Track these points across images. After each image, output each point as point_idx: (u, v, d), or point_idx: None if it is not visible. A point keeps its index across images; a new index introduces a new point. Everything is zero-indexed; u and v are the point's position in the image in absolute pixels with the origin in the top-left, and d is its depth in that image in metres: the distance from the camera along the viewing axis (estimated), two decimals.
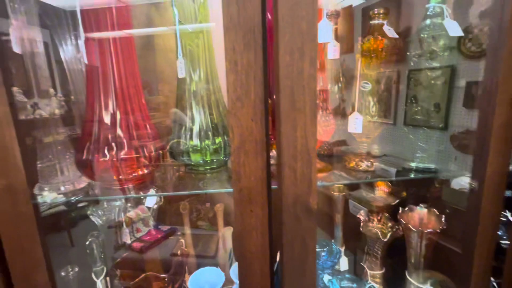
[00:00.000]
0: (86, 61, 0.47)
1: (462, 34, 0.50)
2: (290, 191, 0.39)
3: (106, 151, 0.50)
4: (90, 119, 0.50)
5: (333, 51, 0.67)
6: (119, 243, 0.76)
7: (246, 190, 0.40)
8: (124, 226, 0.75)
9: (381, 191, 0.79)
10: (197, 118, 0.61)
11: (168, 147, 0.63)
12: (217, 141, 0.62)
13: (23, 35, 0.49)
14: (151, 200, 0.72)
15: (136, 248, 0.74)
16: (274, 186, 0.42)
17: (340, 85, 0.69)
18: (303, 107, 0.37)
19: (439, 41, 0.51)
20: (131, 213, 0.82)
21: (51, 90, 0.57)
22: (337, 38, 0.68)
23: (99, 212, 0.70)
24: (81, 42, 0.46)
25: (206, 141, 0.61)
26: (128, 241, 0.74)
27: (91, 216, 0.68)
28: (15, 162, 0.40)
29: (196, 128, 0.61)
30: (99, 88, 0.49)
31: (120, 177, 0.51)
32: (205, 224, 0.84)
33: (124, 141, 0.51)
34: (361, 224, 0.71)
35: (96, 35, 0.48)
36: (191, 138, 0.61)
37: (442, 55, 0.52)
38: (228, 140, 0.62)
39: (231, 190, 0.55)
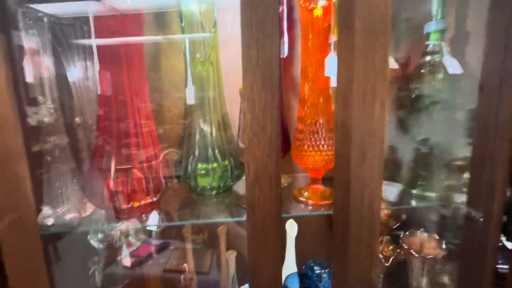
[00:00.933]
0: (99, 92, 0.48)
1: (460, 71, 0.53)
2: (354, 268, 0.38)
3: (116, 181, 0.49)
4: (100, 149, 0.50)
5: (335, 79, 0.69)
6: (119, 266, 0.74)
7: (260, 224, 0.41)
8: (125, 248, 0.74)
9: (381, 213, 0.81)
10: (205, 142, 0.62)
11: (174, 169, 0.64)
12: (224, 163, 0.63)
13: (36, 63, 0.50)
14: (154, 220, 0.71)
15: (128, 264, 0.73)
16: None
17: None
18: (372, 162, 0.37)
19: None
20: (122, 227, 0.81)
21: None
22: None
23: (99, 236, 0.68)
24: (95, 73, 0.47)
25: (214, 164, 0.62)
26: (129, 265, 0.73)
27: (91, 241, 0.67)
28: (26, 196, 0.40)
29: (204, 152, 0.62)
30: (109, 119, 0.49)
31: (129, 205, 0.51)
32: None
33: (135, 171, 0.51)
34: None
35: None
36: (199, 161, 0.62)
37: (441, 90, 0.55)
38: (234, 163, 0.63)
39: (240, 219, 0.56)
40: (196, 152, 0.61)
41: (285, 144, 0.72)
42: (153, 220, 0.63)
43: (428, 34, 0.58)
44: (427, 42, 0.58)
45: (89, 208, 0.57)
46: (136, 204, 0.52)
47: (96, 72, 0.47)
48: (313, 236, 0.89)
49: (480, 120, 0.55)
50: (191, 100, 0.60)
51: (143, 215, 0.56)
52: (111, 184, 0.49)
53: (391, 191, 0.65)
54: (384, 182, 0.61)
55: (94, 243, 0.68)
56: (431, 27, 0.56)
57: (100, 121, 0.51)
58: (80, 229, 0.53)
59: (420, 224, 0.71)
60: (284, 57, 0.68)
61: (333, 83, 0.69)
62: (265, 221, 0.41)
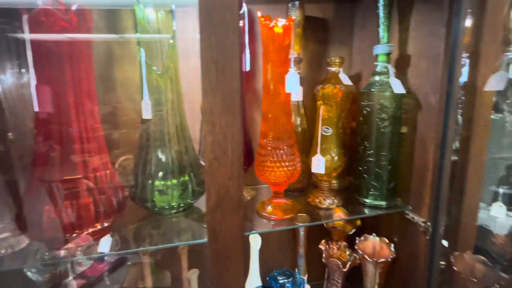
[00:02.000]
0: (36, 109, 0.42)
1: (404, 91, 0.59)
2: None
3: (54, 208, 0.44)
4: (39, 169, 0.44)
5: (295, 94, 0.72)
6: None
7: (223, 249, 0.40)
8: (71, 278, 0.66)
9: (338, 218, 0.86)
10: (163, 157, 0.58)
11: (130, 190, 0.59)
12: (184, 179, 0.60)
13: None
14: (106, 245, 0.65)
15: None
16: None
17: (302, 125, 0.74)
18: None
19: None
20: (70, 245, 0.73)
21: None
22: (300, 81, 0.73)
23: (39, 267, 0.60)
24: (32, 86, 0.41)
25: (173, 181, 0.59)
26: None
27: (28, 273, 0.58)
28: None
29: (162, 168, 0.58)
30: (51, 138, 0.44)
31: (74, 235, 0.46)
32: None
33: (84, 193, 0.46)
34: (323, 255, 0.76)
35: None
36: (156, 178, 0.58)
37: (390, 107, 0.60)
38: (195, 179, 0.61)
39: (202, 241, 0.54)
40: (153, 169, 0.58)
41: (249, 156, 0.72)
42: (105, 246, 0.57)
43: (376, 56, 0.63)
44: (375, 63, 0.63)
45: (24, 240, 0.50)
46: (83, 231, 0.46)
47: (32, 82, 0.41)
48: (276, 247, 0.91)
49: (419, 133, 0.62)
50: (147, 114, 0.56)
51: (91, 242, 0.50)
52: (52, 212, 0.44)
53: None
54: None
55: (32, 275, 0.59)
56: (379, 49, 0.61)
57: (37, 138, 0.44)
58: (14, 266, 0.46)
59: (373, 229, 0.76)
60: (247, 70, 0.68)
61: (294, 97, 0.71)
62: (228, 245, 0.40)
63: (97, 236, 0.50)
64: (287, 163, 0.58)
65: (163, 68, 0.57)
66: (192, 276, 0.68)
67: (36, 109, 0.41)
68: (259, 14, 0.55)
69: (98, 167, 0.49)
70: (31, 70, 0.41)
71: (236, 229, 0.40)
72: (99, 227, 0.48)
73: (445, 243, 0.66)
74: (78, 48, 0.45)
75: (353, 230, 0.80)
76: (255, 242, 0.74)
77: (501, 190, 0.84)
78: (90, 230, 0.48)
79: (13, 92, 0.54)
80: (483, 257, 0.59)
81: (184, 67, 0.61)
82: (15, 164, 0.56)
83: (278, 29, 0.54)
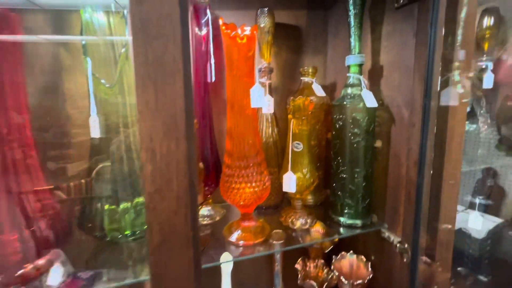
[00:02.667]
0: None
1: (376, 105, 0.56)
2: None
3: None
4: None
5: (267, 106, 0.67)
6: None
7: None
8: None
9: (316, 233, 0.82)
10: (113, 178, 0.52)
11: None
12: (138, 200, 0.54)
13: None
14: (56, 276, 0.58)
15: None
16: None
17: (274, 138, 0.70)
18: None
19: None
20: (40, 261, 0.65)
21: None
22: (271, 92, 0.69)
23: None
24: None
25: (125, 204, 0.53)
26: None
27: None
28: None
29: (112, 190, 0.52)
30: None
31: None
32: None
33: (6, 228, 0.39)
34: (299, 276, 0.71)
35: None
36: (106, 201, 0.52)
37: (363, 121, 0.57)
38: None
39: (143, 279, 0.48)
40: (106, 193, 0.52)
41: (217, 174, 0.67)
42: (55, 278, 0.51)
43: (348, 67, 0.60)
44: (348, 74, 0.60)
45: None
46: (9, 276, 0.40)
47: None
48: (251, 267, 0.85)
49: (393, 147, 0.59)
50: (95, 132, 0.50)
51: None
52: None
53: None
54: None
55: None
56: (350, 60, 0.58)
57: None
58: None
59: (350, 246, 0.73)
60: (213, 81, 0.63)
61: (265, 110, 0.67)
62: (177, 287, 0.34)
63: (33, 277, 0.44)
64: (254, 184, 0.54)
65: (112, 83, 0.51)
66: None
67: None
68: (220, 22, 0.51)
69: (30, 192, 0.42)
70: None
71: (186, 271, 0.34)
72: (31, 268, 0.42)
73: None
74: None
75: (331, 247, 0.76)
76: (226, 266, 0.68)
77: (477, 201, 0.84)
78: (19, 272, 0.41)
79: None
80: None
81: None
82: None
83: (241, 39, 0.50)
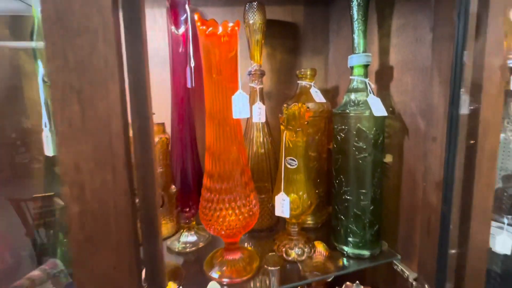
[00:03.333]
0: None
1: (385, 113, 0.46)
2: None
3: None
4: None
5: (257, 114, 0.58)
6: None
7: None
8: None
9: (319, 256, 0.72)
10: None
11: None
12: None
13: None
14: None
15: None
16: None
17: (266, 150, 0.61)
18: None
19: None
20: (35, 272, 0.57)
21: None
22: (263, 98, 0.60)
23: None
24: None
25: None
26: None
27: None
28: None
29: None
30: None
31: None
32: None
33: None
34: None
35: None
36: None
37: (370, 132, 0.47)
38: None
39: None
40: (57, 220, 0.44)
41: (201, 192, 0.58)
42: None
43: (352, 68, 0.50)
44: (351, 77, 0.51)
45: None
46: None
47: None
48: None
49: (407, 163, 0.49)
50: (49, 150, 0.42)
51: None
52: None
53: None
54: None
55: None
56: (354, 60, 0.49)
57: None
58: None
59: (356, 275, 0.63)
60: (193, 86, 0.54)
61: (256, 119, 0.58)
62: None
63: None
64: (238, 211, 0.45)
65: None
66: None
67: None
68: (196, 17, 0.42)
69: None
70: None
71: None
72: None
73: None
74: None
75: (333, 276, 0.66)
76: None
77: (505, 220, 0.72)
78: None
79: None
80: None
81: None
82: None
83: (221, 37, 0.41)
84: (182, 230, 0.59)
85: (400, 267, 0.51)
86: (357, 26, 0.49)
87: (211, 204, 0.45)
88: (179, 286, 0.45)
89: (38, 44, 0.42)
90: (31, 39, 0.42)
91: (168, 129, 0.58)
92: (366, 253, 0.51)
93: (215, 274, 0.47)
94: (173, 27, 0.53)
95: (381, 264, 0.57)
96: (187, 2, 0.54)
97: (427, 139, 0.44)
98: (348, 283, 0.61)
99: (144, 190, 0.28)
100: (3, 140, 0.51)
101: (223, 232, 0.46)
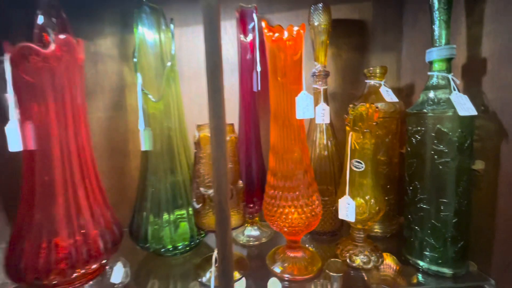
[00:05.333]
0: (21, 148, 0.40)
1: (475, 112, 0.40)
2: None
3: (38, 248, 0.41)
4: (24, 208, 0.43)
5: (321, 115, 0.58)
6: None
7: None
8: None
9: (388, 269, 0.66)
10: (159, 195, 0.52)
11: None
12: (180, 212, 0.53)
13: None
14: (118, 275, 0.62)
15: None
16: None
17: (330, 152, 0.60)
18: None
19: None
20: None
21: None
22: (327, 99, 0.59)
23: None
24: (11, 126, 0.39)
25: (165, 215, 0.52)
26: None
27: None
28: None
29: (156, 206, 0.52)
30: (37, 175, 0.42)
31: (55, 281, 0.42)
32: None
33: (64, 234, 0.43)
34: None
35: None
36: (151, 212, 0.52)
37: (453, 134, 0.42)
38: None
39: None
40: (148, 206, 0.52)
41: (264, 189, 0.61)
42: (117, 276, 0.54)
43: (431, 63, 0.46)
44: (430, 73, 0.46)
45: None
46: (64, 278, 0.43)
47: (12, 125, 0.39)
48: None
49: (505, 171, 0.42)
50: (144, 145, 0.51)
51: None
52: (29, 255, 0.41)
53: None
54: None
55: None
56: (434, 54, 0.44)
57: (24, 181, 0.43)
58: None
59: None
60: (258, 90, 0.58)
61: (319, 120, 0.58)
62: None
63: (84, 281, 0.46)
64: (301, 209, 0.46)
65: (159, 97, 0.51)
66: None
67: (21, 148, 0.40)
68: (263, 24, 0.46)
69: (85, 203, 0.45)
70: (11, 107, 0.39)
71: None
72: (82, 272, 0.44)
73: None
74: (64, 80, 0.42)
75: None
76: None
77: None
78: (73, 275, 0.44)
79: None
80: None
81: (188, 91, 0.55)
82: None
83: (286, 42, 0.43)
84: (246, 225, 0.63)
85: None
86: (437, 15, 0.44)
87: (274, 200, 0.47)
88: (242, 276, 0.48)
89: (137, 59, 0.52)
90: (133, 56, 0.52)
91: (236, 129, 0.62)
92: (447, 271, 0.44)
93: (277, 268, 0.48)
94: (241, 36, 0.58)
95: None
96: (254, 11, 0.58)
97: None
98: None
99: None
100: (113, 138, 0.64)
101: (285, 229, 0.47)
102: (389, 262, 0.51)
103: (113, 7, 0.64)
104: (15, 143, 0.39)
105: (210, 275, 0.47)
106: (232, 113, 0.64)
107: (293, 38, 0.43)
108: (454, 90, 0.42)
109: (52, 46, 0.41)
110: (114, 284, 0.64)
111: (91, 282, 0.53)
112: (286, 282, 0.47)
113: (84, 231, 0.44)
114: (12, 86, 0.40)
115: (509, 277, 0.41)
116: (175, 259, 0.55)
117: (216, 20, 0.29)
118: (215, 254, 0.48)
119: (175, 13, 0.64)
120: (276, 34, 0.43)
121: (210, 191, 0.44)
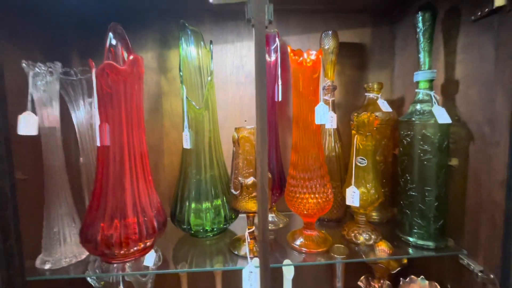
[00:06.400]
0: (98, 144, 0.50)
1: (450, 121, 0.53)
2: None
3: (112, 225, 0.51)
4: (99, 192, 0.53)
5: (330, 121, 0.70)
6: None
7: None
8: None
9: (382, 252, 0.79)
10: (200, 185, 0.63)
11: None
12: (217, 202, 0.64)
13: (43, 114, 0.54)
14: (150, 259, 0.72)
15: None
16: None
17: (337, 152, 0.72)
18: None
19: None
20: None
21: None
22: (334, 108, 0.72)
23: (96, 271, 0.68)
24: (96, 125, 0.50)
25: (207, 203, 0.63)
26: None
27: (88, 278, 0.67)
28: None
29: (197, 191, 0.63)
30: (107, 167, 0.52)
31: (123, 251, 0.52)
32: None
33: (131, 214, 0.53)
34: None
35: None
36: (192, 201, 0.63)
37: (434, 137, 0.55)
38: (228, 205, 0.64)
39: (232, 268, 0.56)
40: (191, 194, 0.63)
41: (281, 184, 0.73)
42: (150, 260, 0.63)
43: (417, 83, 0.59)
44: (417, 90, 0.59)
45: (86, 251, 0.59)
46: (129, 249, 0.53)
47: (96, 125, 0.50)
48: (312, 281, 0.87)
49: (473, 166, 0.55)
50: (187, 144, 0.62)
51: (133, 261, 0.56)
52: (105, 231, 0.51)
53: None
54: None
55: (92, 282, 0.68)
56: (420, 76, 0.58)
57: (98, 170, 0.53)
58: (76, 274, 0.54)
59: (421, 270, 0.68)
60: (280, 100, 0.70)
61: (328, 125, 0.70)
62: None
63: (141, 253, 0.56)
64: (317, 195, 0.57)
65: (201, 104, 0.63)
66: None
67: (98, 144, 0.50)
68: (289, 49, 0.58)
69: (143, 190, 0.56)
70: (96, 111, 0.50)
71: None
72: (142, 246, 0.54)
73: None
74: (131, 90, 0.53)
75: (398, 269, 0.72)
76: (288, 271, 0.72)
77: None
78: (135, 248, 0.54)
79: (84, 125, 0.65)
80: None
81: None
82: (84, 183, 0.67)
83: (308, 63, 0.56)
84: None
85: (466, 261, 0.55)
86: (422, 47, 0.58)
87: (295, 188, 0.59)
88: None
89: (182, 73, 0.63)
90: (180, 69, 0.63)
91: None
92: (430, 244, 0.57)
93: (296, 244, 0.60)
94: (266, 55, 0.70)
95: (446, 260, 0.62)
96: (277, 36, 0.70)
97: (491, 144, 0.49)
98: (413, 276, 0.67)
99: (262, 169, 0.43)
100: (149, 138, 0.74)
101: (305, 212, 0.59)
102: (386, 242, 0.63)
103: (154, 28, 0.76)
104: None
105: (244, 248, 0.58)
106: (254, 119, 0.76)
107: (313, 60, 0.55)
108: (435, 104, 0.56)
109: (125, 63, 0.52)
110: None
111: (128, 264, 0.64)
112: (304, 254, 0.58)
113: (144, 213, 0.55)
114: (96, 94, 0.50)
115: (477, 248, 0.54)
116: (209, 240, 0.65)
117: (263, 44, 0.42)
118: (247, 231, 0.59)
119: (207, 34, 0.76)
120: (301, 58, 0.55)
121: (247, 180, 0.56)
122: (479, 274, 0.52)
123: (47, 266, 0.54)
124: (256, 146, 0.46)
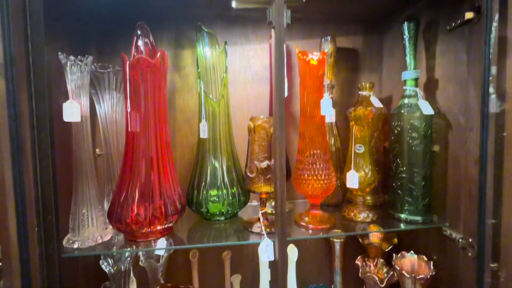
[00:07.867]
0: (130, 129, 0.56)
1: (433, 112, 0.64)
2: None
3: (141, 205, 0.56)
4: (128, 175, 0.57)
5: (329, 116, 0.79)
6: None
7: None
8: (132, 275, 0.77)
9: (375, 237, 0.87)
10: (216, 170, 0.69)
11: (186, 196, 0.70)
12: (233, 191, 0.70)
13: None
14: (162, 244, 0.76)
15: None
16: None
17: (335, 144, 0.81)
18: None
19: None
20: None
21: None
22: (333, 105, 0.81)
23: (109, 261, 0.71)
24: (128, 112, 0.55)
25: (224, 191, 0.69)
26: None
27: (102, 266, 0.70)
28: None
29: (214, 180, 0.69)
30: (137, 152, 0.57)
31: (149, 230, 0.57)
32: None
33: (157, 196, 0.58)
34: (360, 270, 0.78)
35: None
36: (210, 188, 0.68)
37: (420, 126, 0.65)
38: (241, 191, 0.70)
39: (247, 242, 0.62)
40: (208, 180, 0.68)
41: (286, 172, 0.80)
42: (161, 245, 0.68)
43: (405, 81, 0.69)
44: (404, 87, 0.69)
45: (109, 233, 0.62)
46: (155, 228, 0.57)
47: (126, 111, 0.55)
48: (313, 262, 0.94)
49: (451, 151, 0.65)
50: (204, 134, 0.68)
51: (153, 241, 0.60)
52: (135, 209, 0.55)
53: None
54: None
55: (105, 268, 0.71)
56: (406, 75, 0.68)
57: (127, 155, 0.58)
58: (97, 253, 0.58)
59: (410, 247, 0.77)
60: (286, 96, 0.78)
61: (328, 119, 0.79)
62: None
63: (164, 233, 0.61)
64: (323, 177, 0.65)
65: (217, 97, 0.69)
66: (235, 281, 0.75)
67: (129, 129, 0.55)
68: (296, 50, 0.66)
69: (168, 175, 0.61)
70: (128, 100, 0.55)
71: None
72: (166, 225, 0.59)
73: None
74: (159, 83, 0.59)
75: (390, 247, 0.81)
76: (292, 253, 0.79)
77: None
78: (159, 227, 0.58)
79: (107, 117, 0.70)
80: None
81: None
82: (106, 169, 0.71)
83: (313, 62, 0.64)
84: (271, 200, 0.81)
85: (448, 231, 0.65)
86: (408, 51, 0.68)
87: (302, 171, 0.66)
88: None
89: (199, 69, 0.70)
90: (197, 66, 0.70)
91: None
92: (419, 218, 0.66)
93: (303, 222, 0.67)
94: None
95: (431, 234, 0.71)
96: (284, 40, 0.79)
97: (466, 129, 0.60)
98: (403, 252, 0.75)
99: (280, 151, 0.50)
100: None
101: (310, 193, 0.66)
102: (378, 227, 0.72)
103: (169, 29, 0.82)
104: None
105: (258, 226, 0.64)
106: (263, 112, 0.84)
107: (318, 60, 0.64)
108: (420, 98, 0.66)
109: (154, 58, 0.58)
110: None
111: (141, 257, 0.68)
112: (310, 230, 0.66)
113: (168, 196, 0.60)
114: (128, 84, 0.56)
115: (457, 220, 0.64)
116: (223, 223, 0.71)
117: (282, 43, 0.50)
118: (260, 212, 0.66)
119: (218, 36, 0.84)
120: (308, 57, 0.64)
121: (262, 164, 0.63)
122: (460, 240, 0.61)
123: (75, 245, 0.57)
124: (274, 131, 0.54)
